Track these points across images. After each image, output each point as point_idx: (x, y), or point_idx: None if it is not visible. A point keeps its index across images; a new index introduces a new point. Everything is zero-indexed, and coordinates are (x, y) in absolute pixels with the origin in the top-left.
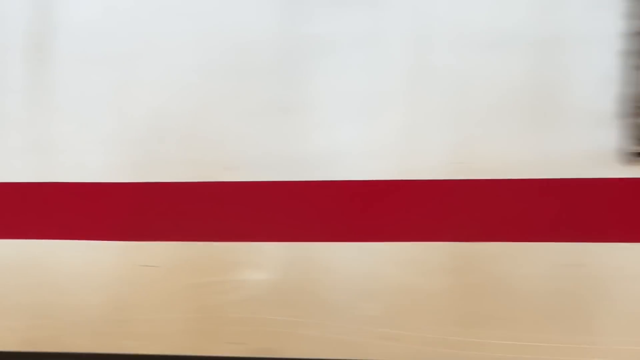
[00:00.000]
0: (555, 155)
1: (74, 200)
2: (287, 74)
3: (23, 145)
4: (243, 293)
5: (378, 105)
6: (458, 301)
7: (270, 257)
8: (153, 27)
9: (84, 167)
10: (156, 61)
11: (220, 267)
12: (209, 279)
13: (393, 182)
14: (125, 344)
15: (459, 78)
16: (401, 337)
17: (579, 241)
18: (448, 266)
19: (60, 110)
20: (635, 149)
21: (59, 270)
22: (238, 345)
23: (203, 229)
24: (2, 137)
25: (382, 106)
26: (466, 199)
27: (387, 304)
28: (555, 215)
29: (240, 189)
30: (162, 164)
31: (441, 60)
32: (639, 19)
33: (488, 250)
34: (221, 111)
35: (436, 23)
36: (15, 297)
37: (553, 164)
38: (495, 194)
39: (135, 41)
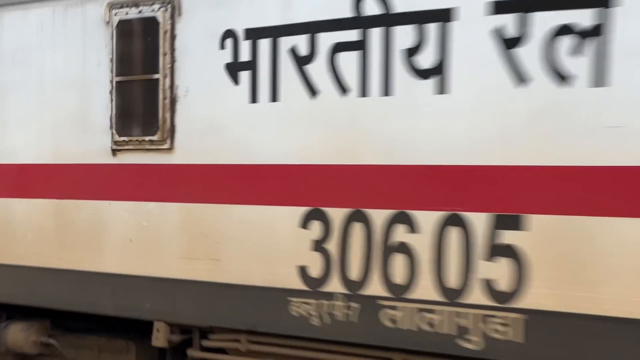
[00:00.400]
0: (86, 149)
1: None
2: None
3: None
4: None
5: (32, 118)
6: (59, 233)
7: None
8: None
9: None
10: None
11: None
12: None
13: (34, 165)
14: None
15: (55, 106)
16: (40, 253)
17: (97, 199)
18: (52, 213)
19: None
20: (113, 147)
21: None
22: None
23: None
24: None
25: (29, 121)
26: (57, 174)
27: (35, 235)
28: (89, 182)
29: None
30: None
31: (48, 96)
32: (119, 74)
33: (67, 204)
34: None
35: (44, 74)
36: None
37: (85, 155)
38: (67, 173)
39: None
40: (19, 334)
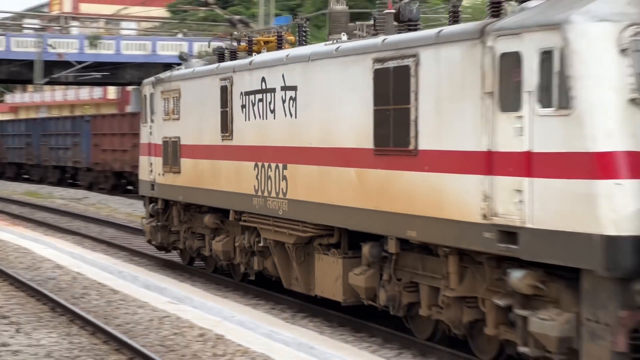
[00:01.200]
0: (216, 139)
1: None
2: None
3: None
4: None
5: (206, 125)
6: (212, 174)
7: None
8: None
9: None
10: None
11: None
12: None
13: None
14: None
15: (209, 120)
16: (208, 183)
17: (220, 160)
18: (210, 166)
19: None
20: (221, 138)
21: None
22: None
23: None
24: None
25: (206, 127)
26: (211, 149)
27: (208, 175)
28: (217, 152)
29: None
30: None
31: (210, 116)
32: (221, 107)
33: (213, 162)
34: None
35: (209, 107)
36: None
37: (216, 141)
38: (213, 148)
39: None
40: (209, 218)
